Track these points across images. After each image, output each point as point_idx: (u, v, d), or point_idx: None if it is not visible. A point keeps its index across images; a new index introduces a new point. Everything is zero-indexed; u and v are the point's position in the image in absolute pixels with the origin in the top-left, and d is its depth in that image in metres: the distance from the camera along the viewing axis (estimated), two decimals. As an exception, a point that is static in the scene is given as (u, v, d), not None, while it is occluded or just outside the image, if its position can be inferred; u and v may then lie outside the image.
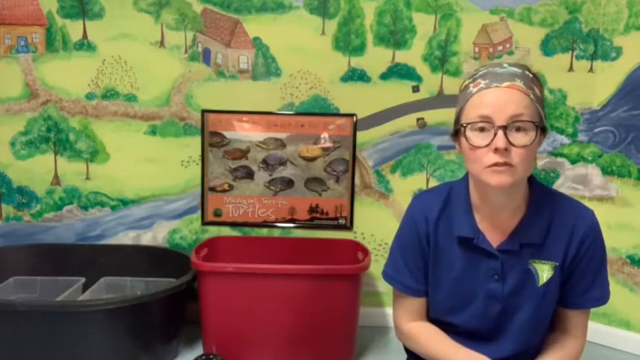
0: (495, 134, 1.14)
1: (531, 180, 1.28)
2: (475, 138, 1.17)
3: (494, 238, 1.28)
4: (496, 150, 1.13)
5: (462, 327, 1.34)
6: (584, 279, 1.28)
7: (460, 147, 1.24)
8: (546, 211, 1.26)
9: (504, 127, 1.13)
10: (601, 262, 1.30)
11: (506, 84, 1.15)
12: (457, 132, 1.24)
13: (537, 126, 1.16)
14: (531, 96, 1.16)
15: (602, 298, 1.32)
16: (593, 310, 2.60)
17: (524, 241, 1.25)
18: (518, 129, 1.14)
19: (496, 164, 1.15)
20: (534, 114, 1.16)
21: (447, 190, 1.35)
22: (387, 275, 1.41)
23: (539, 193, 1.28)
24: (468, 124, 1.18)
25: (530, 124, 1.15)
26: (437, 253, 1.33)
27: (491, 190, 1.21)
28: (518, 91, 1.15)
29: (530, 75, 1.21)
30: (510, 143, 1.13)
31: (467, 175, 1.32)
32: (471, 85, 1.21)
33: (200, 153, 2.57)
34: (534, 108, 1.16)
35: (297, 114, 2.55)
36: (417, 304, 1.39)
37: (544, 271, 1.26)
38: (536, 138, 1.15)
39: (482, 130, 1.16)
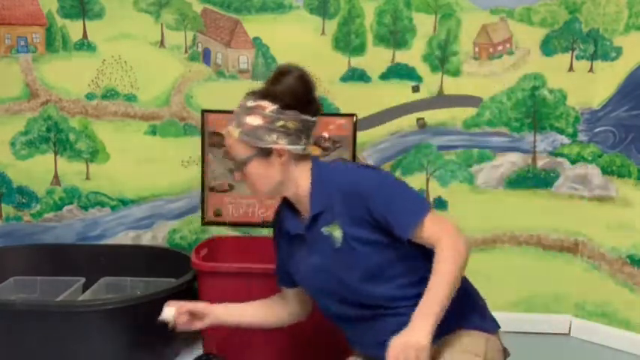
0: None
1: (313, 168, 1.44)
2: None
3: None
4: None
5: None
6: (388, 215, 1.33)
7: None
8: (322, 186, 1.41)
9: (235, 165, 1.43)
10: (384, 194, 1.35)
11: (225, 131, 1.42)
12: None
13: (246, 159, 1.38)
14: (237, 135, 1.38)
15: (414, 214, 1.33)
16: (592, 309, 2.62)
17: (313, 213, 1.41)
18: (237, 166, 1.42)
19: None
20: (245, 149, 1.39)
21: None
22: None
23: (317, 177, 1.43)
24: None
25: (240, 162, 1.40)
26: None
27: None
28: (228, 136, 1.41)
29: (250, 104, 1.38)
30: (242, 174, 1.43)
31: None
32: None
33: (200, 153, 2.57)
34: (243, 144, 1.38)
35: (297, 114, 2.55)
36: None
37: (335, 231, 1.38)
38: (254, 165, 1.39)
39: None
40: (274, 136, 1.37)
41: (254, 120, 1.37)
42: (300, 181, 1.44)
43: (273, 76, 1.42)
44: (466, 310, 1.43)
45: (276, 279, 1.68)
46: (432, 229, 1.32)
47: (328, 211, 1.39)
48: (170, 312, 1.53)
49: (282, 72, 1.41)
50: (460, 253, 1.29)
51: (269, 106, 1.37)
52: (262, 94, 1.39)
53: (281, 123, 1.37)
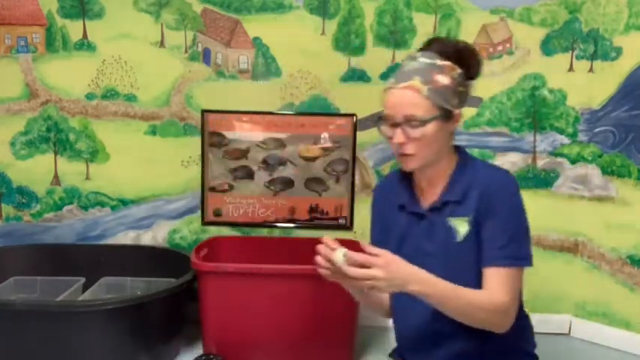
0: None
1: (460, 152, 1.43)
2: (386, 131, 1.35)
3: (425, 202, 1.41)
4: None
5: None
6: (489, 234, 1.31)
7: None
8: (466, 175, 1.37)
9: (400, 125, 1.30)
10: (508, 220, 1.32)
11: (402, 85, 1.30)
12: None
13: (430, 119, 1.28)
14: (425, 92, 1.28)
15: (505, 259, 1.30)
16: (592, 309, 2.61)
17: (446, 199, 1.36)
18: (412, 125, 1.29)
19: (400, 154, 1.34)
20: (429, 108, 1.29)
21: None
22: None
23: (463, 162, 1.40)
24: (380, 118, 1.36)
25: (421, 121, 1.28)
26: None
27: None
28: (411, 91, 1.29)
29: (439, 63, 1.30)
30: (408, 136, 1.30)
31: None
32: (392, 79, 1.36)
33: (200, 153, 2.57)
34: (429, 102, 1.28)
35: (297, 114, 2.55)
36: None
37: (461, 226, 1.33)
38: (433, 127, 1.29)
39: (390, 125, 1.33)
40: (457, 100, 1.32)
41: (443, 79, 1.30)
42: (447, 158, 1.38)
43: (444, 42, 1.37)
44: (525, 354, 1.46)
45: None
46: (499, 284, 1.28)
47: (461, 203, 1.33)
48: (341, 253, 1.24)
49: (456, 42, 1.39)
50: (493, 319, 1.28)
51: (457, 69, 1.32)
52: (445, 55, 1.32)
53: (462, 89, 1.33)
